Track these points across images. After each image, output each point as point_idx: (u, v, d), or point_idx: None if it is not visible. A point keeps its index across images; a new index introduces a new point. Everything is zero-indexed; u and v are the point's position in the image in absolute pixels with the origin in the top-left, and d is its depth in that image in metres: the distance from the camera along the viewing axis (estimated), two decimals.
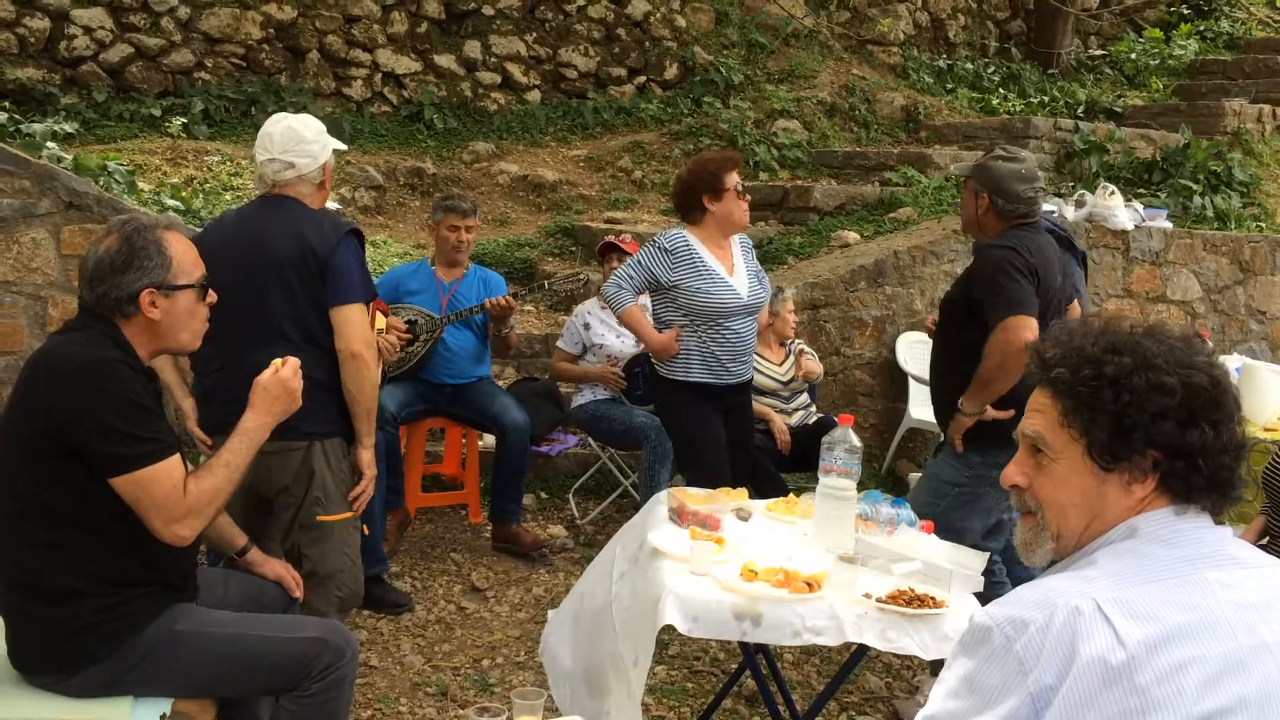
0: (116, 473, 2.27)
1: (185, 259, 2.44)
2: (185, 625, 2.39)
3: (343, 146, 3.36)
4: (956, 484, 3.51)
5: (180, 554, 2.42)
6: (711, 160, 4.17)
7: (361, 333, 3.08)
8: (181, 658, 2.37)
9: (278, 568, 2.83)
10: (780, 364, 5.28)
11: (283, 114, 3.28)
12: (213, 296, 2.50)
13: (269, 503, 3.15)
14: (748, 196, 4.15)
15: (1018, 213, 3.46)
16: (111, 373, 2.29)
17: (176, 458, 2.34)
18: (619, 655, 2.65)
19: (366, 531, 3.24)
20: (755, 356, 5.25)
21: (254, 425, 2.47)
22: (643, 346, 4.48)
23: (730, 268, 4.09)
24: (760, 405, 5.13)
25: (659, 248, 4.04)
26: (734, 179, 4.07)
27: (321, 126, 3.25)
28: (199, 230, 3.34)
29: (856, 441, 2.89)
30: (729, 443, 4.13)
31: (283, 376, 2.50)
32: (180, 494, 2.31)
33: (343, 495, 3.14)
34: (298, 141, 3.15)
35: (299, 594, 2.82)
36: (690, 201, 4.10)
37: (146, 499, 2.29)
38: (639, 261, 4.07)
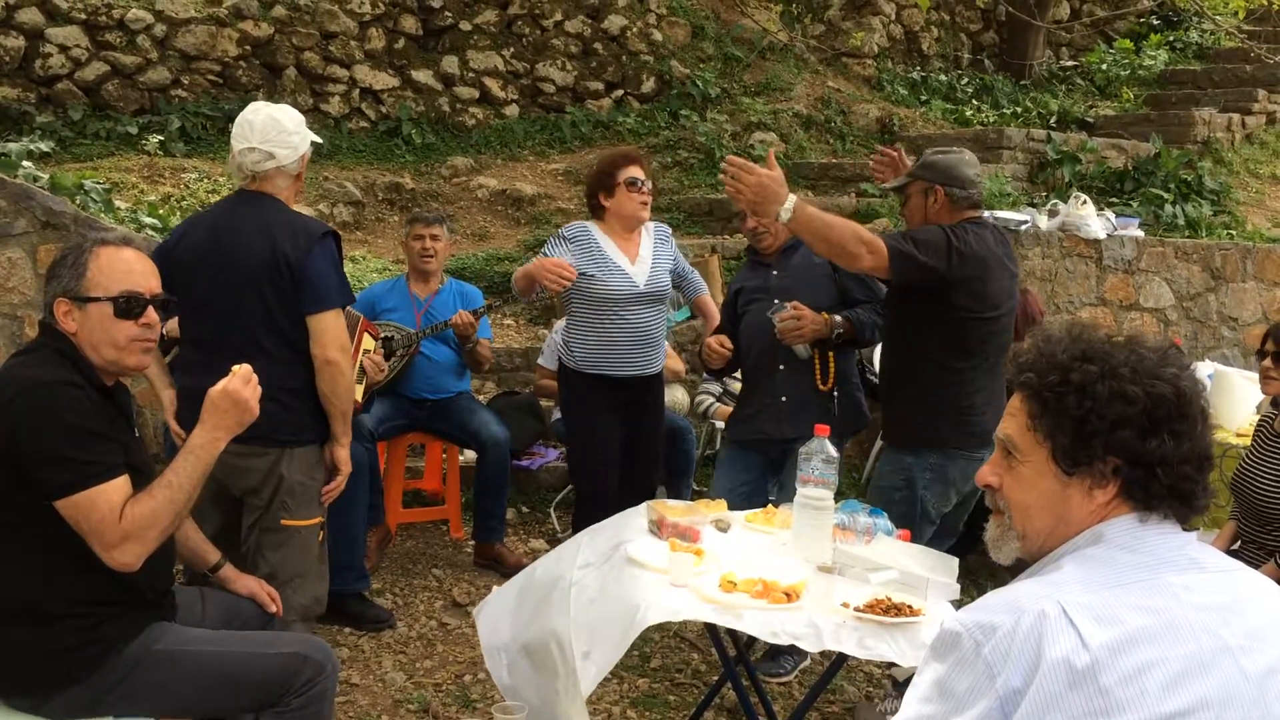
0: (55, 496, 2.24)
1: (109, 272, 2.38)
2: (164, 644, 2.39)
3: (319, 140, 3.35)
4: (896, 488, 3.53)
5: (155, 571, 2.41)
6: (607, 157, 4.31)
7: (337, 339, 3.07)
8: (162, 677, 2.36)
9: (250, 584, 2.81)
10: None
11: (262, 103, 3.24)
12: (151, 316, 2.43)
13: (240, 502, 3.14)
14: (644, 190, 4.16)
15: (970, 199, 3.49)
16: (51, 394, 2.27)
17: (118, 481, 2.29)
18: (567, 638, 2.63)
19: (321, 538, 3.22)
20: None
21: (202, 442, 2.40)
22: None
23: (633, 258, 4.16)
24: None
25: (559, 235, 4.20)
26: (628, 174, 4.13)
27: (300, 118, 3.23)
28: (180, 233, 3.28)
29: (833, 452, 2.92)
30: (631, 441, 4.21)
31: (231, 389, 2.40)
32: (115, 519, 2.25)
33: (312, 501, 3.13)
34: (279, 131, 3.12)
35: (274, 608, 2.81)
36: (591, 201, 4.26)
37: (84, 523, 2.25)
38: (544, 252, 4.18)
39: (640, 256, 4.19)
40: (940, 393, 3.42)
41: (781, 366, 3.85)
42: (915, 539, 3.28)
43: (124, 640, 2.35)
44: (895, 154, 3.92)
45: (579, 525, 4.24)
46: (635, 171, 4.16)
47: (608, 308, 4.09)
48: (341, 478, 3.21)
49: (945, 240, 3.35)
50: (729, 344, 3.94)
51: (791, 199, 3.15)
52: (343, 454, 3.19)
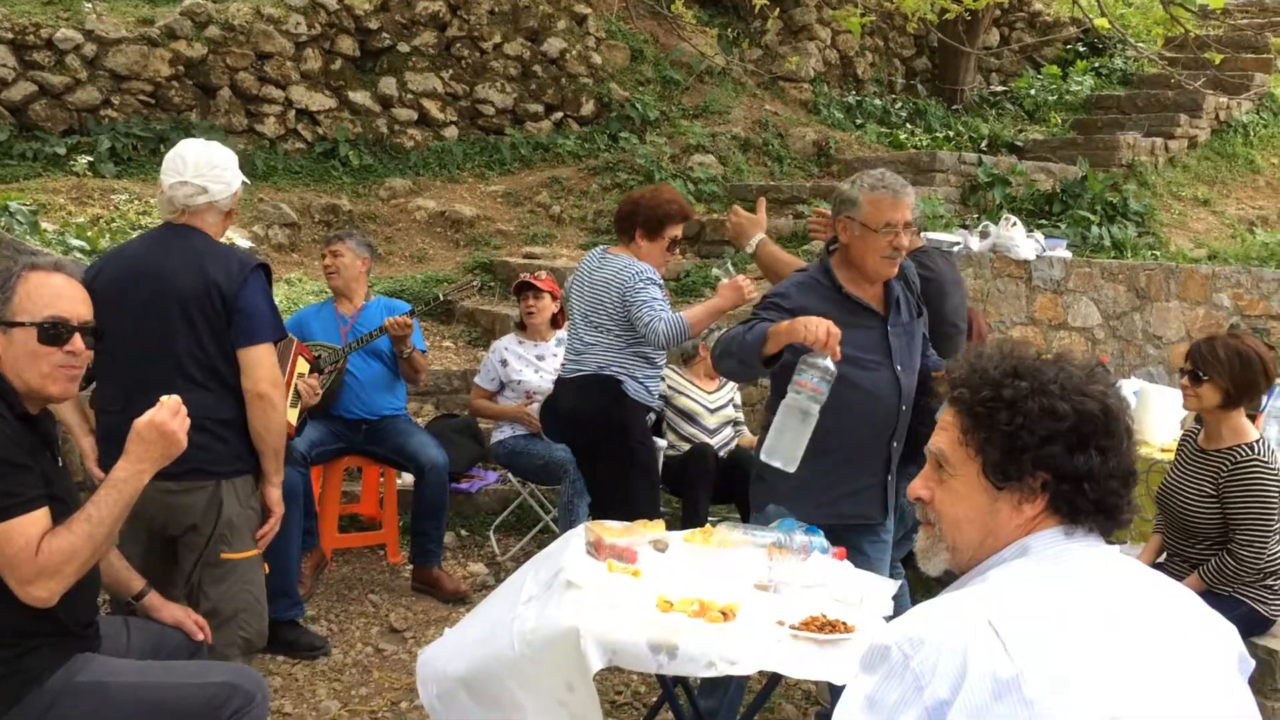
0: None
1: (36, 297, 2.33)
2: (88, 676, 2.33)
3: (247, 181, 3.31)
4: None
5: (78, 601, 2.35)
6: (668, 204, 4.21)
7: (269, 373, 3.03)
8: (85, 709, 2.30)
9: (176, 612, 2.76)
10: (711, 392, 5.37)
11: (194, 139, 3.20)
12: (76, 344, 2.37)
13: (174, 543, 3.07)
14: (677, 251, 4.26)
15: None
16: None
17: (36, 514, 2.23)
18: (531, 678, 2.62)
19: (268, 570, 3.17)
20: (686, 384, 5.36)
21: (125, 475, 2.32)
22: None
23: None
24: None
25: (656, 283, 4.08)
26: (675, 231, 4.18)
27: (234, 155, 3.20)
28: (100, 265, 3.20)
29: (834, 368, 2.91)
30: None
31: (158, 420, 2.33)
32: (31, 554, 2.19)
33: (249, 533, 3.08)
34: (213, 167, 3.08)
35: (201, 636, 2.75)
36: (627, 224, 4.22)
37: None
38: (656, 298, 4.03)
39: None
40: None
41: (895, 444, 3.23)
42: None
43: (46, 672, 2.29)
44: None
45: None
46: (679, 231, 4.22)
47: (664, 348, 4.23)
48: (275, 519, 3.16)
49: None
50: None
51: (759, 238, 3.77)
52: (275, 494, 3.15)
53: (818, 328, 2.86)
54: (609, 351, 4.17)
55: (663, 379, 5.30)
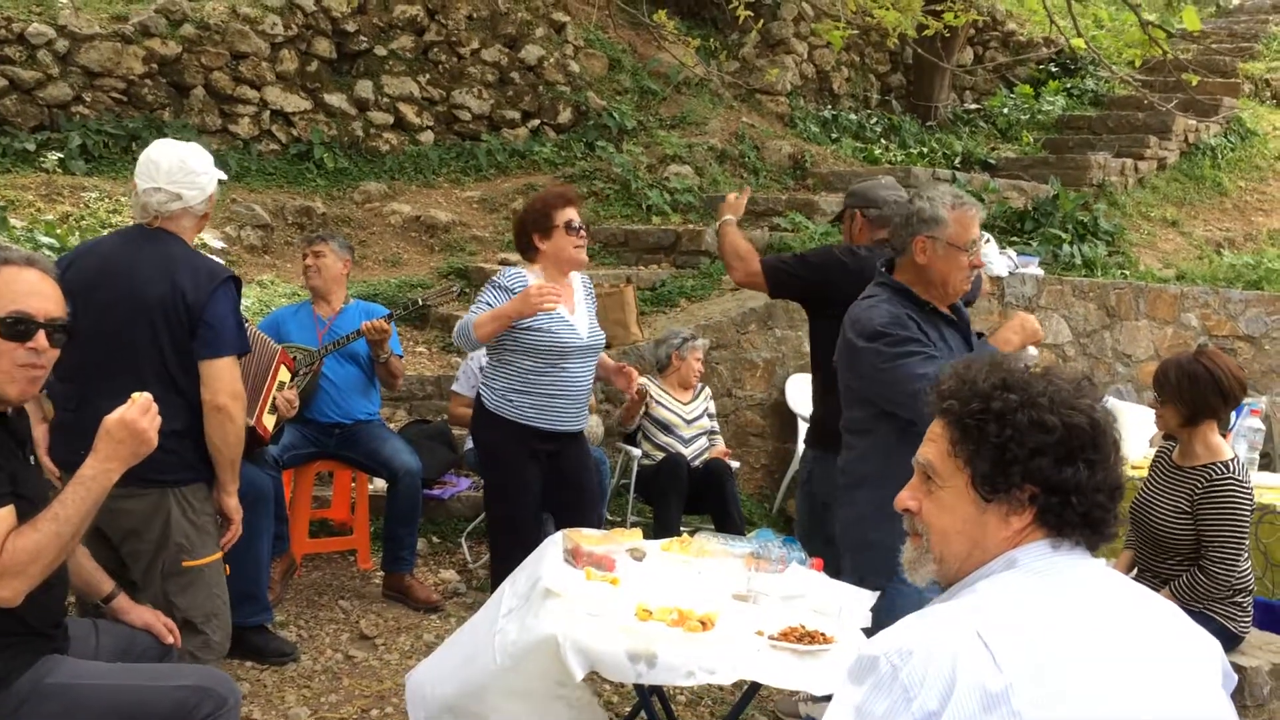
0: None
1: (4, 291, 2.27)
2: (56, 678, 2.28)
3: (224, 176, 3.27)
4: None
5: (46, 602, 2.30)
6: (542, 197, 4.11)
7: (228, 386, 2.99)
8: (53, 712, 2.26)
9: (145, 615, 2.71)
10: (687, 403, 5.37)
11: (169, 141, 3.16)
12: (41, 341, 2.30)
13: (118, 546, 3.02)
14: (583, 234, 4.02)
15: (885, 218, 3.66)
16: None
17: (1, 513, 2.18)
18: (517, 684, 2.61)
19: (228, 571, 3.13)
20: (663, 394, 5.35)
21: (93, 473, 2.27)
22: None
23: (571, 307, 4.00)
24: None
25: (499, 286, 3.92)
26: (565, 215, 3.96)
27: (209, 157, 3.17)
28: (70, 259, 3.15)
29: (1036, 352, 2.97)
30: (566, 495, 4.08)
31: (128, 419, 2.28)
32: None
33: (210, 538, 3.04)
34: (187, 173, 3.05)
35: (171, 639, 2.70)
36: (523, 241, 4.04)
37: None
38: (484, 302, 3.90)
39: (577, 305, 4.04)
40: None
41: None
42: None
43: (13, 674, 2.24)
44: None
45: (499, 575, 3.94)
46: (573, 213, 4.00)
47: (552, 360, 3.91)
48: (235, 527, 3.13)
49: (828, 257, 3.81)
50: None
51: (724, 219, 4.08)
52: (231, 503, 3.10)
53: (1035, 322, 3.20)
54: (489, 363, 4.09)
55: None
